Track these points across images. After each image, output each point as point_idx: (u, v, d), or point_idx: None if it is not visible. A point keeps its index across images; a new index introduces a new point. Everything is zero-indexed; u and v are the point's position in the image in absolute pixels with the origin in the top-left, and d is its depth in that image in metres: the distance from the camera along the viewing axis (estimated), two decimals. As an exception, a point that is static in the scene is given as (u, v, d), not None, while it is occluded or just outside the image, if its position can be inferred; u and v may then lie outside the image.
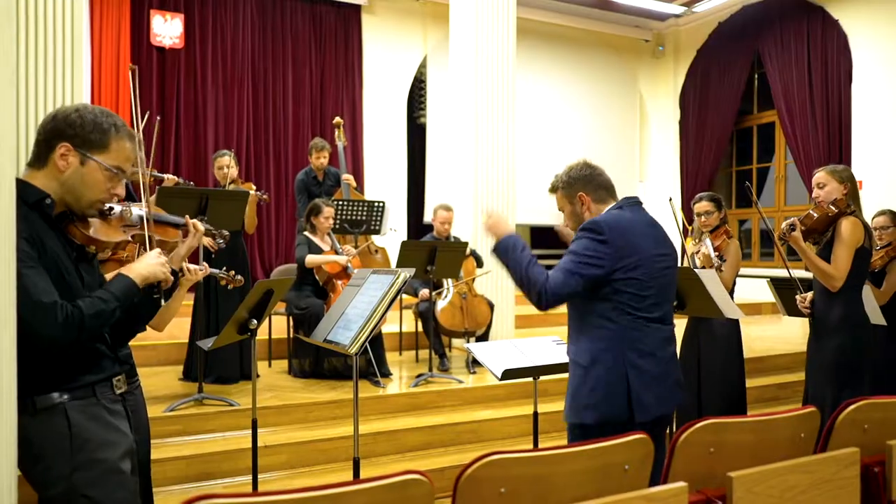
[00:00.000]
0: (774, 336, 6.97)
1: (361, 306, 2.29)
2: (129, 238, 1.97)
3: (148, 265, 1.83)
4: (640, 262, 2.18)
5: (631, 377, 2.16)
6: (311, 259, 4.73)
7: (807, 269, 3.39)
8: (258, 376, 4.67)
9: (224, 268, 2.77)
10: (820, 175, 3.36)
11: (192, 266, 2.26)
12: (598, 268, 2.14)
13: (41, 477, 1.67)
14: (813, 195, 3.38)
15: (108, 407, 1.75)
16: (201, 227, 2.15)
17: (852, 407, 1.91)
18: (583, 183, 2.34)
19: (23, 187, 1.67)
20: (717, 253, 4.00)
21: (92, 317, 1.65)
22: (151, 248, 1.93)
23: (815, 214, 3.28)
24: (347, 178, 5.95)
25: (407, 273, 2.27)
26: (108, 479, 1.69)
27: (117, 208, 1.94)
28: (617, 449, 1.57)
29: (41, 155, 1.71)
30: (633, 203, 2.33)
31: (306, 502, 1.23)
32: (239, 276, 2.78)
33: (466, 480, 1.39)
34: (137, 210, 2.00)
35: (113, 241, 1.91)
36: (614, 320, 2.18)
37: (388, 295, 2.22)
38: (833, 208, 3.25)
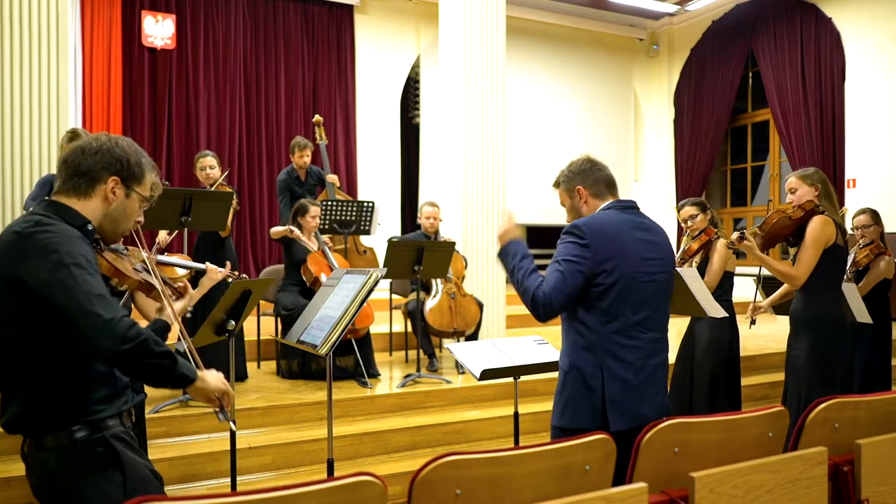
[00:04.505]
0: (767, 335, 6.94)
1: (334, 306, 2.27)
2: (141, 280, 1.98)
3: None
4: (619, 266, 2.12)
5: (607, 385, 2.11)
6: None
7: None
8: (244, 378, 4.68)
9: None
10: (791, 180, 3.38)
11: (213, 266, 2.60)
12: (581, 273, 2.10)
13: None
14: (787, 200, 3.40)
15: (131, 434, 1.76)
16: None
17: (823, 406, 1.89)
18: (582, 177, 2.31)
19: (64, 210, 1.66)
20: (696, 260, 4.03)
21: (154, 353, 1.57)
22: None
23: (774, 219, 3.30)
24: (332, 178, 5.92)
25: (378, 273, 2.25)
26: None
27: (123, 249, 2.00)
28: (577, 449, 1.55)
29: (84, 186, 1.69)
30: (626, 206, 2.28)
31: (254, 505, 1.21)
32: (244, 275, 2.88)
33: (421, 482, 1.38)
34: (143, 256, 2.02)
35: (131, 279, 1.94)
36: (594, 326, 2.14)
37: (359, 295, 2.20)
38: (798, 211, 3.26)
